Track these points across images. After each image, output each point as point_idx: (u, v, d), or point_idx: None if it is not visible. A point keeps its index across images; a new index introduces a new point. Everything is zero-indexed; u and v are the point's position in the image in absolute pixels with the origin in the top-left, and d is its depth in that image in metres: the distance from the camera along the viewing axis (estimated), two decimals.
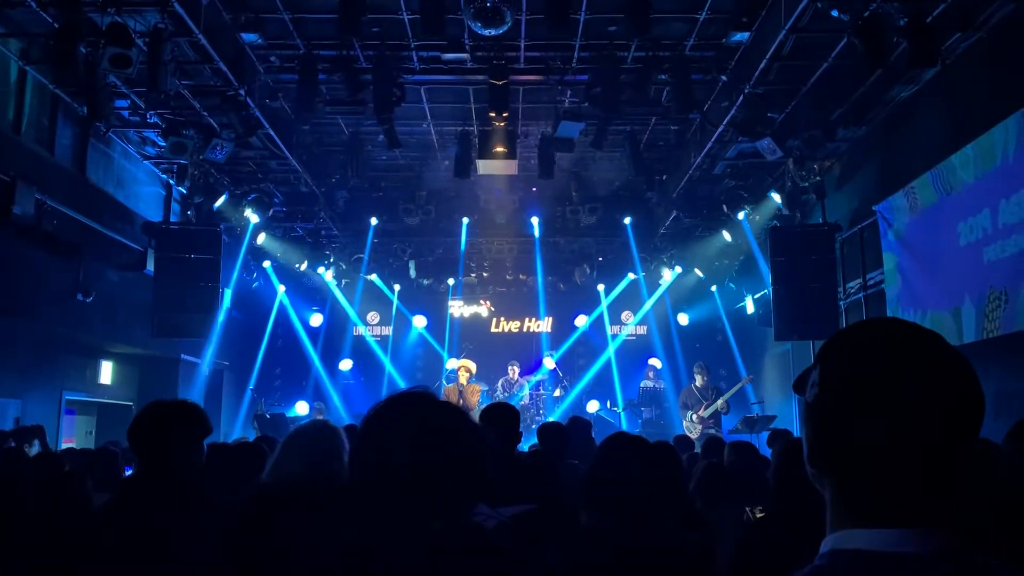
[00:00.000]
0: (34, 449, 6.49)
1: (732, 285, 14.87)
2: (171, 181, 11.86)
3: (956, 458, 0.99)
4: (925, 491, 0.98)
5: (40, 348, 9.39)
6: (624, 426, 13.90)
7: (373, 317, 16.53)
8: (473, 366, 12.62)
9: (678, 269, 14.89)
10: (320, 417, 11.25)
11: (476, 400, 11.95)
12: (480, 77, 8.80)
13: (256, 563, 1.75)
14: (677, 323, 15.81)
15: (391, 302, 16.18)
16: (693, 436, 11.14)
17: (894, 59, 7.36)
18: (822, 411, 1.04)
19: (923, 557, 0.94)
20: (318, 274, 14.85)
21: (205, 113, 9.36)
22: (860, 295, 10.72)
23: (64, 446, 9.09)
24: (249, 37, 8.07)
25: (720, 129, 9.39)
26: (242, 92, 8.50)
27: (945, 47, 7.46)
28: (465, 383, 11.99)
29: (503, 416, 3.83)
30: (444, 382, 14.72)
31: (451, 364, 15.10)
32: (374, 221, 13.38)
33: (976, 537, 0.99)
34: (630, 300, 15.93)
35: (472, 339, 15.72)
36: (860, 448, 0.99)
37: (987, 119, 7.25)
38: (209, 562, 1.98)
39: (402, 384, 15.45)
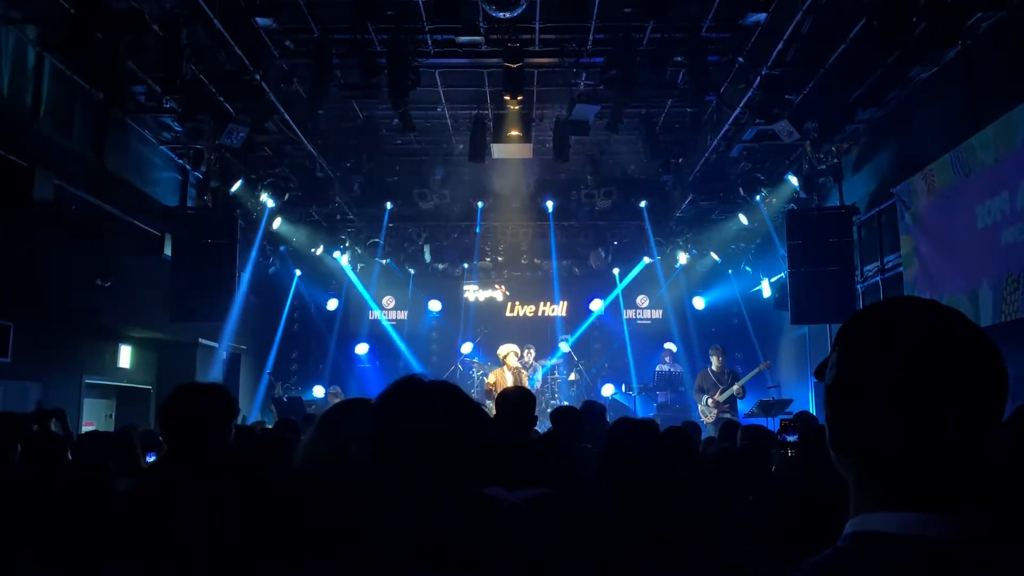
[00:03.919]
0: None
1: (748, 268, 14.81)
2: (187, 166, 11.90)
3: (981, 439, 0.98)
4: (949, 474, 0.96)
5: (60, 332, 9.49)
6: (639, 410, 13.92)
7: (388, 301, 16.60)
8: (519, 350, 12.69)
9: (694, 253, 14.85)
10: (336, 401, 11.32)
11: (526, 382, 12.06)
12: (495, 60, 8.75)
13: (287, 545, 1.78)
14: (693, 307, 15.77)
15: (406, 286, 16.24)
16: (708, 420, 11.15)
17: (913, 39, 7.27)
18: (842, 394, 1.04)
19: (947, 541, 0.93)
20: (334, 258, 14.92)
21: (221, 98, 9.37)
22: (877, 278, 10.65)
23: (85, 429, 9.22)
24: (264, 22, 8.07)
25: (737, 111, 9.32)
26: (257, 77, 8.51)
27: (966, 27, 7.36)
28: (518, 367, 12.04)
29: (519, 401, 3.85)
30: (459, 366, 14.79)
31: (466, 348, 15.16)
32: (389, 205, 13.42)
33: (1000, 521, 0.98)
34: (645, 284, 15.90)
35: (487, 323, 15.76)
36: (881, 430, 0.98)
37: (1008, 100, 7.15)
38: (237, 545, 2.00)
39: (417, 367, 15.53)
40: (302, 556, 1.73)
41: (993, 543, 0.94)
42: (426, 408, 1.57)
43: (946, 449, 0.96)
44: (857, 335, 1.05)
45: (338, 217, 14.07)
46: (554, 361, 14.66)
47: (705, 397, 11.51)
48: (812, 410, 11.22)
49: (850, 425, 1.02)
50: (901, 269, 9.59)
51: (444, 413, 1.57)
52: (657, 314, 16.36)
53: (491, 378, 12.10)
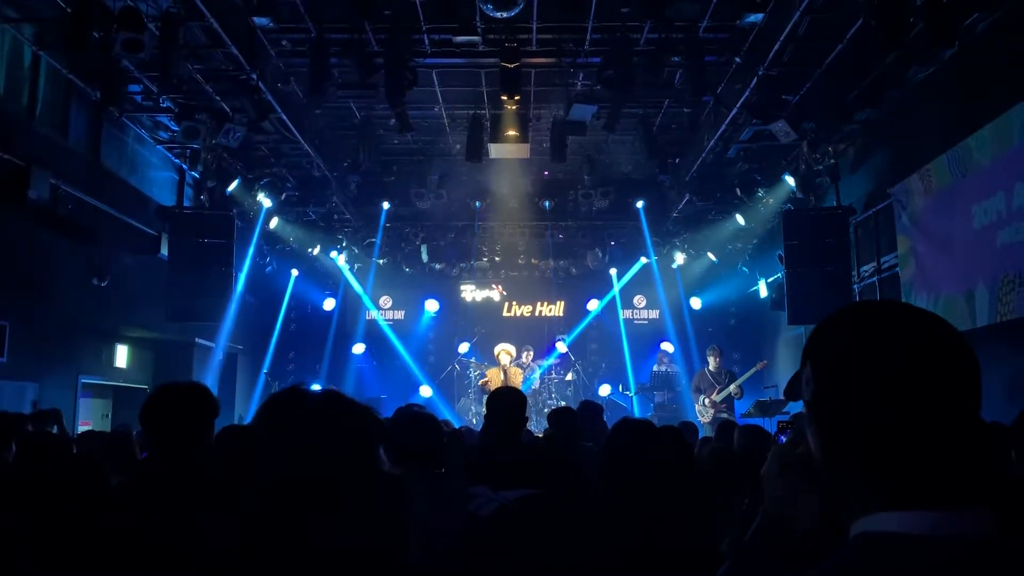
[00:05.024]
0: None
1: (745, 269, 14.82)
2: (184, 166, 11.91)
3: (973, 432, 0.97)
4: (955, 472, 0.96)
5: (56, 332, 9.48)
6: (636, 410, 13.93)
7: (385, 301, 16.60)
8: (513, 349, 12.67)
9: (691, 253, 14.86)
10: None
11: (519, 381, 12.03)
12: (492, 60, 8.75)
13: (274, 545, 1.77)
14: (690, 307, 15.79)
15: (403, 286, 16.23)
16: (705, 420, 11.15)
17: (911, 39, 7.28)
18: (826, 407, 1.03)
19: (960, 539, 0.92)
20: (331, 258, 14.91)
21: (217, 97, 9.37)
22: (874, 279, 10.67)
23: (81, 429, 9.20)
24: (260, 21, 8.05)
25: (734, 112, 9.32)
26: (254, 76, 8.50)
27: (963, 27, 7.36)
28: (509, 365, 12.11)
29: (509, 401, 3.84)
30: (456, 366, 14.79)
31: (463, 348, 15.16)
32: (386, 205, 13.41)
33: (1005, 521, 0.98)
34: (642, 284, 15.90)
35: (484, 323, 15.77)
36: (877, 434, 0.97)
37: (1005, 100, 7.16)
38: (226, 545, 1.99)
39: (414, 367, 15.54)
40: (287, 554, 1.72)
41: (1004, 541, 0.93)
42: (304, 423, 1.55)
43: (944, 447, 0.96)
44: (831, 345, 1.04)
45: (335, 217, 14.06)
46: (551, 361, 14.67)
47: (702, 397, 11.51)
48: None
49: (846, 436, 1.00)
50: (898, 269, 9.60)
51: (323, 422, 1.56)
52: (654, 314, 16.37)
53: (485, 377, 12.15)
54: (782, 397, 12.21)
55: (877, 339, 0.99)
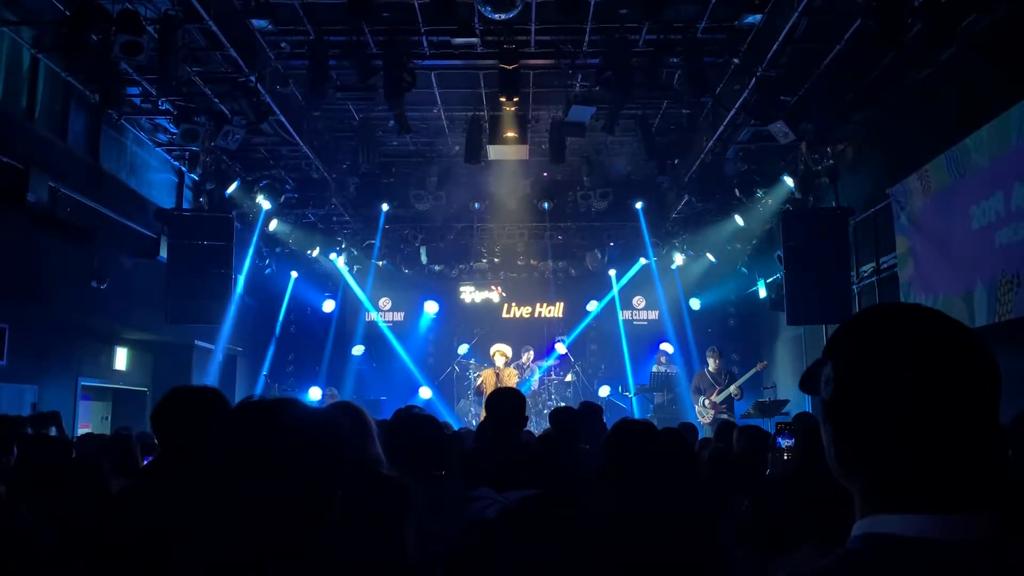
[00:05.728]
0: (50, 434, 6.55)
1: (744, 269, 14.81)
2: (183, 168, 11.91)
3: (987, 439, 0.98)
4: (957, 478, 0.96)
5: (55, 334, 9.48)
6: (635, 411, 13.93)
7: (385, 303, 16.59)
8: (509, 351, 12.67)
9: (690, 254, 14.86)
10: (333, 402, 11.31)
11: (514, 383, 12.02)
12: (491, 62, 8.75)
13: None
14: (689, 308, 15.79)
15: (403, 288, 16.22)
16: (705, 421, 11.15)
17: (909, 40, 7.28)
18: (845, 407, 1.03)
19: (956, 544, 0.93)
20: (330, 260, 14.91)
21: (216, 100, 9.37)
22: (873, 279, 10.66)
23: (80, 431, 9.20)
24: (259, 23, 8.05)
25: (732, 112, 9.32)
26: (253, 78, 8.50)
27: (962, 27, 7.36)
28: (502, 367, 12.09)
29: (507, 401, 3.84)
30: (456, 368, 14.78)
31: (462, 350, 15.16)
32: (385, 207, 13.40)
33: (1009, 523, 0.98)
34: (642, 285, 15.90)
35: (483, 325, 15.75)
36: (892, 437, 0.97)
37: (1003, 101, 7.16)
38: (233, 548, 1.99)
39: (413, 369, 15.54)
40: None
41: (1000, 546, 0.94)
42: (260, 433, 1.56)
43: (956, 449, 0.96)
44: (854, 347, 1.04)
45: (334, 219, 14.06)
46: (550, 362, 14.66)
47: (702, 398, 11.51)
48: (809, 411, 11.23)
49: (861, 439, 1.00)
50: (897, 270, 9.61)
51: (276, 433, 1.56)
52: (653, 315, 16.36)
53: (479, 379, 12.16)
54: (794, 391, 12.21)
55: (905, 343, 1.00)
